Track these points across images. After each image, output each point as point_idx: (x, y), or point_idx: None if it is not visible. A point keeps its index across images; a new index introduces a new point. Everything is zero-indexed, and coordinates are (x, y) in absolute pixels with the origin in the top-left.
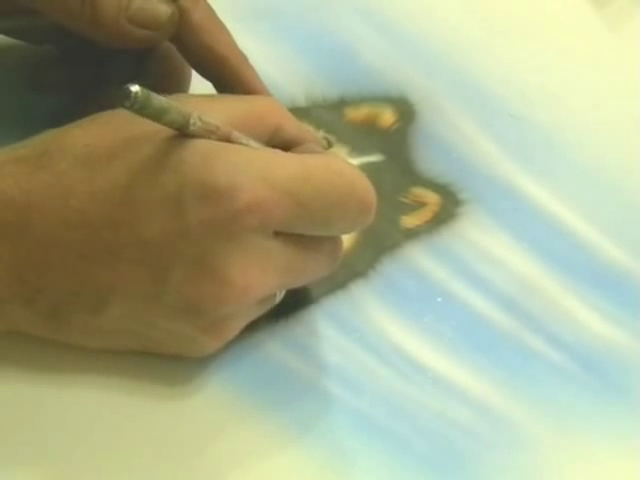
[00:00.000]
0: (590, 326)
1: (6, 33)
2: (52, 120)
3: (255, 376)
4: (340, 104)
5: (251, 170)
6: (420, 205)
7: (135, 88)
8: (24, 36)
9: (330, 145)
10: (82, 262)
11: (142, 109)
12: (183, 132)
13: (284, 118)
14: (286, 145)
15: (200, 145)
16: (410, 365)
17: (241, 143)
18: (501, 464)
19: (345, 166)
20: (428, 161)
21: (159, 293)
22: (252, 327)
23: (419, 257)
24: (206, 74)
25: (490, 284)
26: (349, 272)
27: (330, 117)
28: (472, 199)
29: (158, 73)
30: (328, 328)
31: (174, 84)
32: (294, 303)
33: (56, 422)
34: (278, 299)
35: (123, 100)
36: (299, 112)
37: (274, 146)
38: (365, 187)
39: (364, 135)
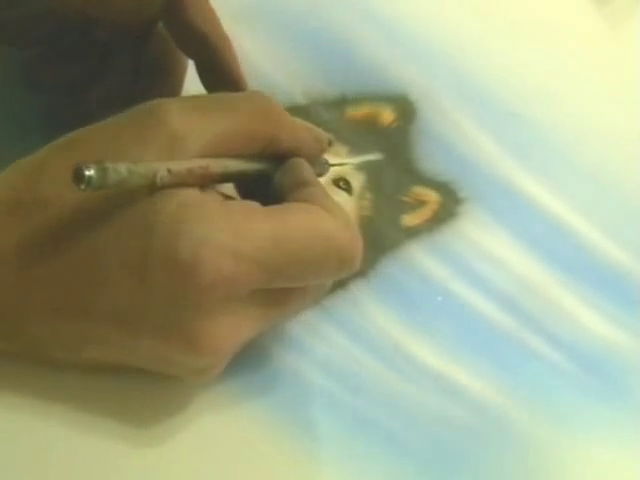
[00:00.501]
0: (590, 326)
1: None
2: (49, 120)
3: (254, 375)
4: (340, 102)
5: (218, 244)
6: (420, 204)
7: (89, 172)
8: (12, 40)
9: (330, 144)
10: (56, 315)
11: (101, 188)
12: (152, 188)
13: (278, 128)
14: (280, 156)
15: (168, 208)
16: (410, 365)
17: (222, 173)
18: (500, 464)
19: (327, 220)
20: (428, 160)
21: (132, 348)
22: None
23: (419, 256)
24: (188, 52)
25: (490, 283)
26: None
27: (330, 115)
28: (472, 198)
29: (154, 67)
30: (328, 327)
31: (170, 78)
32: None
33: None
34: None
35: (77, 184)
36: (299, 111)
37: (268, 156)
38: (347, 242)
39: (364, 133)
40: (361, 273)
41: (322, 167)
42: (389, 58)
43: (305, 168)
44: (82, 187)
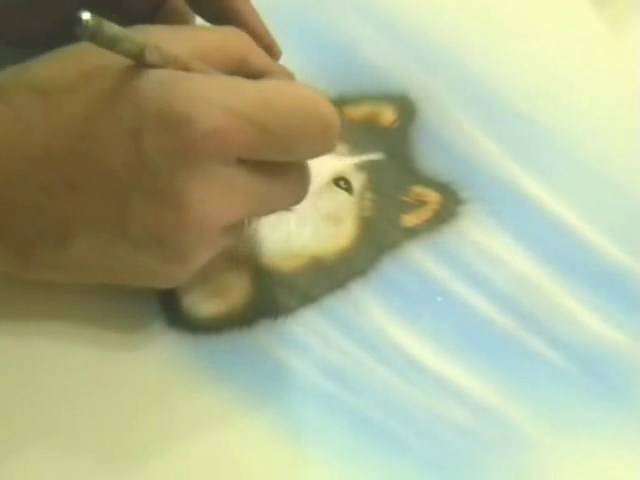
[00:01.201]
0: (590, 327)
1: None
2: None
3: (253, 374)
4: (340, 102)
5: (208, 97)
6: (420, 204)
7: (86, 16)
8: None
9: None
10: (47, 197)
11: (94, 37)
12: (139, 61)
13: (249, 50)
14: (252, 77)
15: (157, 74)
16: (409, 365)
17: (200, 72)
18: (500, 465)
19: (308, 90)
20: (429, 159)
21: (122, 225)
22: (251, 324)
23: (419, 256)
24: (207, 14)
25: (490, 284)
26: (349, 271)
27: None
28: (473, 198)
29: None
30: (327, 327)
31: None
32: (293, 301)
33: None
34: (247, 230)
35: (74, 28)
36: None
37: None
38: (328, 110)
39: (364, 133)
40: (361, 272)
41: None
42: (390, 58)
43: (258, 56)
44: (78, 31)
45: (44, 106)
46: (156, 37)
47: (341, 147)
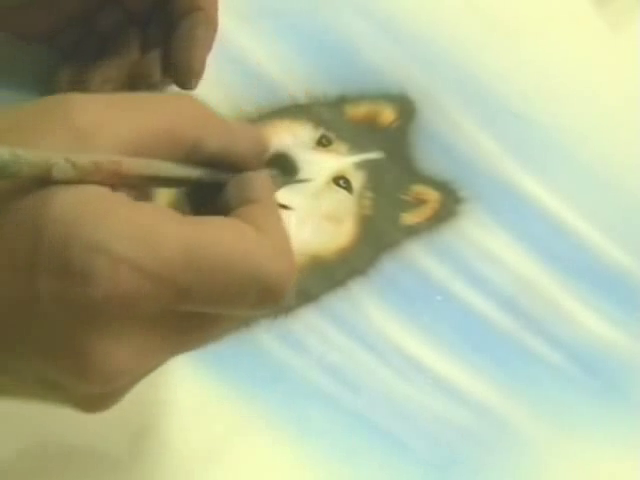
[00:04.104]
0: (590, 327)
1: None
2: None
3: (253, 374)
4: (340, 102)
5: (116, 252)
6: (420, 203)
7: None
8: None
9: (329, 142)
10: None
11: None
12: (49, 181)
13: (204, 129)
14: (209, 162)
15: (63, 203)
16: (409, 364)
17: (139, 174)
18: (499, 465)
19: (253, 243)
20: (428, 159)
21: (16, 368)
22: (250, 323)
23: (419, 255)
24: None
25: (490, 283)
26: (349, 269)
27: (330, 115)
28: (472, 197)
29: (186, 10)
30: (327, 326)
31: (202, 15)
32: (293, 300)
33: None
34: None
35: None
36: (300, 109)
37: (195, 163)
38: (273, 273)
39: (364, 133)
40: (361, 271)
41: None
42: (390, 57)
43: (256, 183)
44: None
45: None
46: (89, 118)
47: (341, 146)
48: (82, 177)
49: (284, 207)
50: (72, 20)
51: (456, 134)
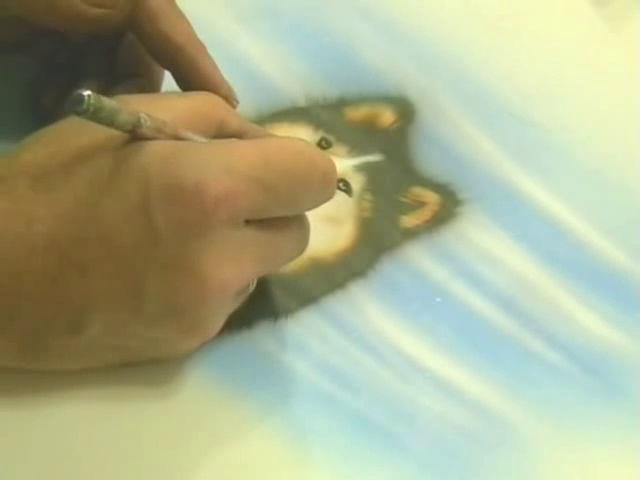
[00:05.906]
0: (589, 327)
1: None
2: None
3: (253, 375)
4: (340, 104)
5: (212, 164)
6: (420, 205)
7: (87, 92)
8: None
9: (329, 145)
10: (54, 285)
11: (96, 112)
12: (134, 134)
13: (226, 113)
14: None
15: (156, 148)
16: (409, 365)
17: (188, 139)
18: (499, 465)
19: (301, 143)
20: (428, 161)
21: (138, 303)
22: (251, 326)
23: (418, 257)
24: (163, 63)
25: (489, 284)
26: (348, 272)
27: (330, 117)
28: (472, 199)
29: (128, 74)
30: (327, 328)
31: (145, 85)
32: (293, 302)
33: (42, 444)
34: (251, 289)
35: (76, 106)
36: (299, 112)
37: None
38: (325, 161)
39: (364, 135)
40: (360, 273)
41: None
42: (389, 59)
43: (235, 118)
44: (80, 109)
45: (44, 193)
46: (136, 107)
47: (340, 149)
48: (155, 133)
49: None
50: (19, 45)
51: (456, 136)
